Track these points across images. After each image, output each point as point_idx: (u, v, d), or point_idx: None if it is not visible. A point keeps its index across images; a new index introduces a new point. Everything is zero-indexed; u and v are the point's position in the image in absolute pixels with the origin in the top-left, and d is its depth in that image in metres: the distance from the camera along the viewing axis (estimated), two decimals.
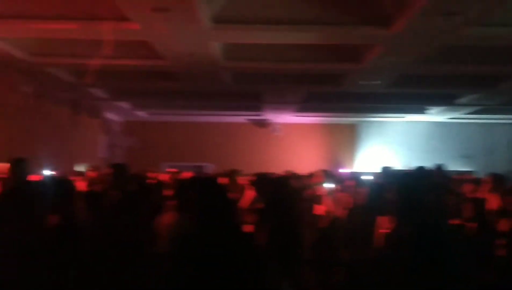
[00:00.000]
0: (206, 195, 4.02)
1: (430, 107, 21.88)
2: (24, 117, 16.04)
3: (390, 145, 26.19)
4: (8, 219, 4.74)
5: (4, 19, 10.95)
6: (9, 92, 15.26)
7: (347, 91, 17.95)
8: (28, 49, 13.66)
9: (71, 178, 8.44)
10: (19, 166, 7.19)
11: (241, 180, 11.47)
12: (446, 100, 19.95)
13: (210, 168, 24.24)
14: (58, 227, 4.85)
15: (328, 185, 10.54)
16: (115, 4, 9.74)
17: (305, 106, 21.41)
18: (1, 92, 14.98)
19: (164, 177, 12.77)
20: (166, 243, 4.46)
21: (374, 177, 12.36)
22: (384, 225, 6.09)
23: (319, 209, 9.53)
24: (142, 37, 11.94)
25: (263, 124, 26.30)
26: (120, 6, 9.86)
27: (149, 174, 12.65)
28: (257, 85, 17.43)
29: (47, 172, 12.09)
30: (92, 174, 11.49)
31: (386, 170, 12.12)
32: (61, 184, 5.83)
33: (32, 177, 7.30)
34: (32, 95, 16.53)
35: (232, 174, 11.47)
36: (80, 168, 16.79)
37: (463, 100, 19.53)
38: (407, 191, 5.12)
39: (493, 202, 8.65)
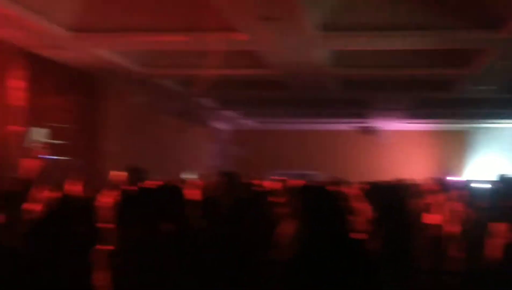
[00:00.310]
0: (318, 203, 3.99)
1: None
2: (136, 126, 16.56)
3: (505, 152, 25.16)
4: (128, 226, 4.88)
5: (116, 32, 11.35)
6: (121, 103, 15.81)
7: (458, 96, 17.42)
8: (139, 61, 14.12)
9: (182, 186, 8.62)
10: (135, 175, 7.44)
11: (351, 188, 11.33)
12: None
13: (317, 176, 24.15)
14: (173, 235, 4.95)
15: (440, 193, 10.25)
16: (223, 15, 9.89)
17: (414, 113, 20.95)
18: (113, 103, 15.54)
19: (273, 185, 12.80)
20: (282, 251, 4.46)
21: (489, 185, 11.89)
22: (501, 234, 5.84)
23: (431, 218, 9.28)
24: (250, 47, 12.06)
25: (371, 131, 25.94)
26: (227, 17, 10.00)
27: (258, 182, 12.71)
28: (365, 92, 17.22)
29: (159, 180, 12.38)
30: (203, 182, 11.69)
31: (503, 177, 11.62)
32: (174, 192, 5.95)
33: (147, 185, 7.52)
34: (143, 106, 17.05)
35: (340, 182, 11.36)
36: (189, 176, 17.14)
37: None
38: None
39: None
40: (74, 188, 8.04)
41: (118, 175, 10.72)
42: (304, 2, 9.26)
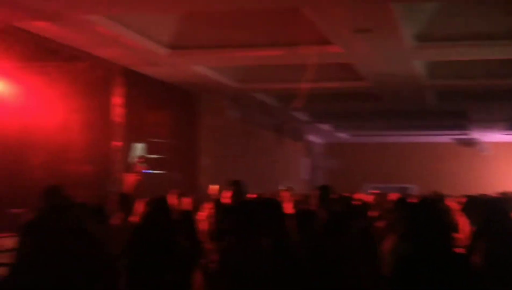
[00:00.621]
0: (420, 217, 3.91)
1: None
2: (232, 140, 16.78)
3: None
4: (227, 240, 4.94)
5: (212, 48, 11.58)
6: (217, 117, 16.06)
7: None
8: (235, 76, 14.32)
9: (278, 199, 8.66)
10: (236, 188, 7.55)
11: (450, 202, 11.04)
12: None
13: (414, 189, 23.67)
14: (273, 248, 4.97)
15: None
16: (318, 28, 9.90)
17: None
18: (211, 117, 15.81)
19: (368, 198, 12.66)
20: (383, 266, 4.40)
21: None
22: None
23: None
24: (344, 59, 12.02)
25: (469, 143, 25.21)
26: (322, 30, 10.01)
27: (354, 196, 12.61)
28: (463, 103, 16.77)
29: (256, 194, 12.49)
30: (297, 195, 11.70)
31: None
32: (272, 205, 5.97)
33: (248, 198, 7.60)
34: (239, 120, 17.26)
35: (440, 196, 11.10)
36: (284, 189, 17.17)
37: None
38: None
39: None
40: (175, 201, 8.21)
41: (216, 188, 10.90)
42: (400, 13, 9.15)
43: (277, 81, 14.26)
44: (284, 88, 14.29)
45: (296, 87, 12.73)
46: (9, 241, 8.79)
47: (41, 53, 11.56)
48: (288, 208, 9.18)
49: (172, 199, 8.19)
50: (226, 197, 7.95)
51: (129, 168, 13.88)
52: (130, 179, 13.31)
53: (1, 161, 13.36)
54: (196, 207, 8.09)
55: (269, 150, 19.81)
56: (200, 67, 13.12)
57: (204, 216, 7.79)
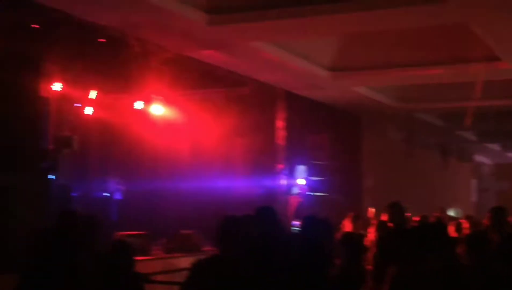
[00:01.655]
0: None
1: None
2: (395, 162, 16.46)
3: None
4: (392, 263, 4.83)
5: (374, 69, 11.47)
6: (379, 138, 15.84)
7: None
8: (397, 96, 14.07)
9: (445, 221, 8.34)
10: (394, 210, 7.36)
11: None
12: None
13: None
14: (441, 272, 4.81)
15: None
16: (485, 44, 9.49)
17: None
18: (372, 138, 15.62)
19: None
20: None
21: None
22: None
23: None
24: None
25: None
26: (490, 46, 9.58)
27: None
28: None
29: (419, 216, 12.14)
30: (467, 218, 11.21)
31: None
32: (438, 228, 5.76)
33: (409, 221, 7.38)
34: (402, 141, 16.93)
35: None
36: (451, 212, 16.56)
37: None
38: None
39: None
40: (348, 224, 8.14)
41: (373, 211, 10.75)
42: None
43: (441, 100, 13.84)
44: (449, 107, 13.85)
45: (462, 105, 12.28)
46: (181, 261, 9.18)
47: (207, 79, 12.05)
48: (457, 230, 8.82)
49: (346, 222, 8.13)
50: (385, 220, 7.76)
51: (291, 190, 14.03)
52: (292, 202, 13.45)
53: (170, 184, 14.05)
54: (361, 231, 7.97)
55: (433, 171, 19.20)
56: (361, 88, 13.04)
57: (369, 239, 7.66)
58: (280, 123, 13.82)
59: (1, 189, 7.62)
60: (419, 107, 14.78)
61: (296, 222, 9.35)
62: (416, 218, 10.76)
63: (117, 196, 13.51)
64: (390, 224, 7.50)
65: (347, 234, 6.54)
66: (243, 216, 4.80)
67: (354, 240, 6.09)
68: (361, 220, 8.44)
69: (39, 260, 4.19)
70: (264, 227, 5.34)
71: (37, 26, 9.32)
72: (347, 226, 8.10)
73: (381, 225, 7.80)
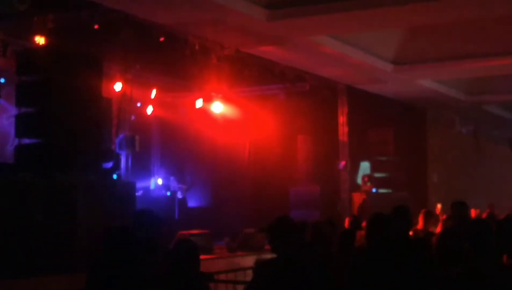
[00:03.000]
0: None
1: None
2: (462, 156, 16.07)
3: None
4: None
5: (439, 62, 11.18)
6: (445, 132, 15.48)
7: None
8: (464, 88, 13.69)
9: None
10: (457, 211, 7.08)
11: None
12: None
13: None
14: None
15: None
16: None
17: None
18: (438, 133, 15.26)
19: None
20: None
21: None
22: None
23: None
24: None
25: None
26: None
27: None
28: None
29: (484, 213, 11.77)
30: None
31: None
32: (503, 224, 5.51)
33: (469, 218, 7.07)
34: (469, 134, 16.51)
35: None
36: None
37: None
38: None
39: None
40: (421, 221, 7.87)
41: (439, 207, 10.45)
42: None
43: (509, 92, 13.39)
44: None
45: None
46: (245, 260, 9.09)
47: (267, 76, 11.95)
48: None
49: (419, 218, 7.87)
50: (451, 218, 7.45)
51: (355, 187, 13.79)
52: (357, 199, 13.21)
53: (231, 182, 14.02)
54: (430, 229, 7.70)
55: (503, 165, 18.64)
56: (425, 81, 12.71)
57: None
58: (342, 119, 13.60)
59: (66, 189, 7.69)
60: (487, 99, 14.36)
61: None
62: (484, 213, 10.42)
63: (179, 195, 13.56)
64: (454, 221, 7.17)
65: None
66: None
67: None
68: (433, 217, 8.15)
69: (107, 259, 4.17)
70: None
71: (97, 26, 9.41)
72: (420, 223, 7.83)
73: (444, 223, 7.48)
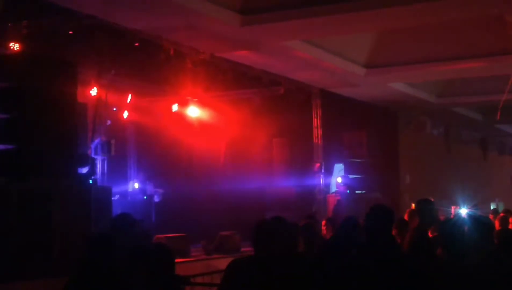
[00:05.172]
0: None
1: None
2: (433, 157, 16.26)
3: None
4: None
5: (410, 65, 11.32)
6: (417, 134, 15.66)
7: None
8: (434, 90, 13.89)
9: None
10: (422, 207, 7.13)
11: None
12: None
13: None
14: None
15: None
16: None
17: None
18: (410, 134, 15.45)
19: None
20: None
21: None
22: None
23: None
24: None
25: None
26: None
27: None
28: None
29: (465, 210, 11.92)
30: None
31: None
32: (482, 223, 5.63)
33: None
34: (439, 136, 16.71)
35: None
36: (493, 206, 16.27)
37: None
38: None
39: None
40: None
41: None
42: None
43: (479, 94, 13.61)
44: (488, 100, 13.59)
45: (501, 99, 12.06)
46: (221, 263, 9.15)
47: (241, 80, 12.05)
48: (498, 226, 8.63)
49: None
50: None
51: (329, 189, 13.94)
52: (331, 200, 13.36)
53: (207, 185, 14.08)
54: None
55: (473, 166, 18.90)
56: (397, 84, 12.88)
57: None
58: (316, 122, 13.75)
59: (41, 195, 7.70)
60: (457, 101, 14.56)
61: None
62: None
63: (155, 198, 13.59)
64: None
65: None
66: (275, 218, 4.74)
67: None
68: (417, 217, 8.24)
69: (90, 267, 4.21)
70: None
71: (72, 32, 9.44)
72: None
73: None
